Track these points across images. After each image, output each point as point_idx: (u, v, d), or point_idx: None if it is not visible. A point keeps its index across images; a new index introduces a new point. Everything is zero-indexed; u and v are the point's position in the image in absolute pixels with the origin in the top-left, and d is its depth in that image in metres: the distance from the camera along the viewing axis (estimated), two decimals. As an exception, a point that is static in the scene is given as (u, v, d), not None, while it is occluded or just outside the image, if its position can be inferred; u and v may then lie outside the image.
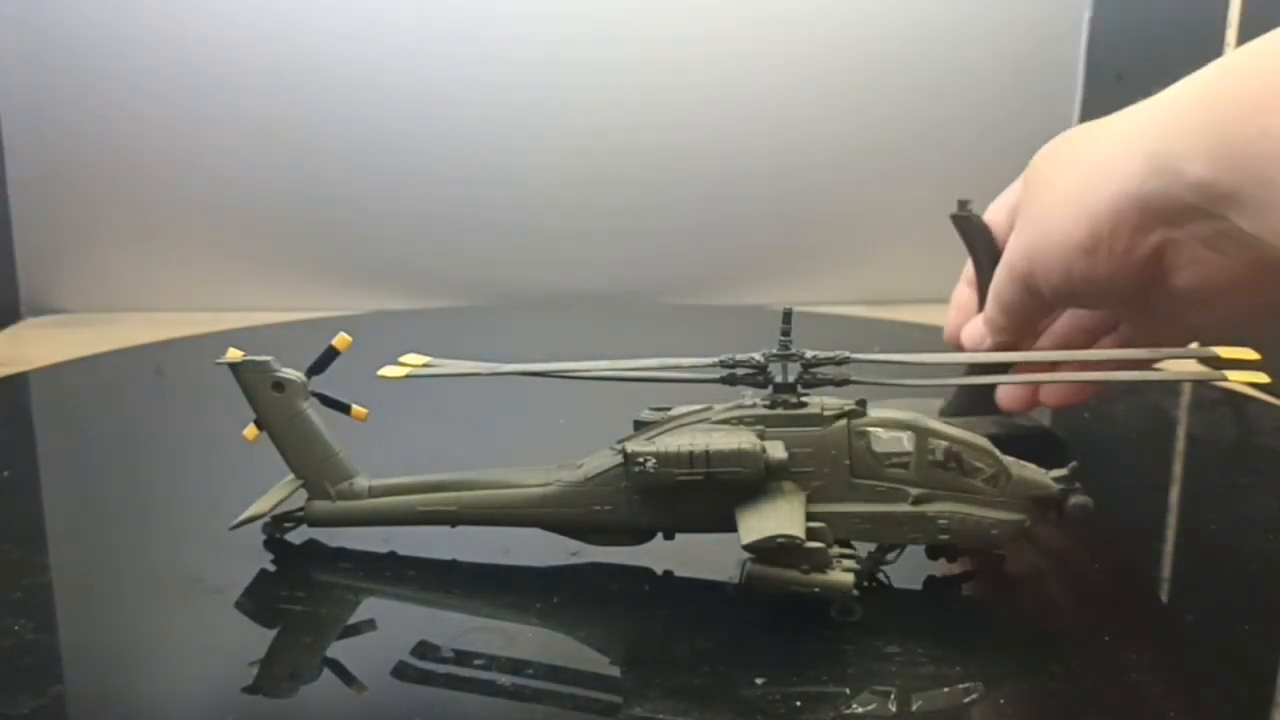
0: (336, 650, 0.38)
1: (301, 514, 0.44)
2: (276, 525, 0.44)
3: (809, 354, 0.40)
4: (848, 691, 0.34)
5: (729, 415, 0.40)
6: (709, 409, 0.41)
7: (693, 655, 0.37)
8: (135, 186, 0.91)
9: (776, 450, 0.38)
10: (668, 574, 0.42)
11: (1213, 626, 0.39)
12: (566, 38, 0.91)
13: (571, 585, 0.42)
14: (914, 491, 0.39)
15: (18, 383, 0.69)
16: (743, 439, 0.38)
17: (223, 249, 0.93)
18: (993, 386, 0.55)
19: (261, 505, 0.43)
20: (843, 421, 0.39)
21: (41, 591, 0.41)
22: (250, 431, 0.43)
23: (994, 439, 0.40)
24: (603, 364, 0.42)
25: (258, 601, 0.41)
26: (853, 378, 0.40)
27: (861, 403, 0.40)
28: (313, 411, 0.43)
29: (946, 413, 0.55)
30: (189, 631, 0.39)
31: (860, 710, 0.34)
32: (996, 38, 0.94)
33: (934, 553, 0.41)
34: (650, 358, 0.42)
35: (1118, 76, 0.92)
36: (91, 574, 0.43)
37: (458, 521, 0.42)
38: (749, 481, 0.38)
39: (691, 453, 0.38)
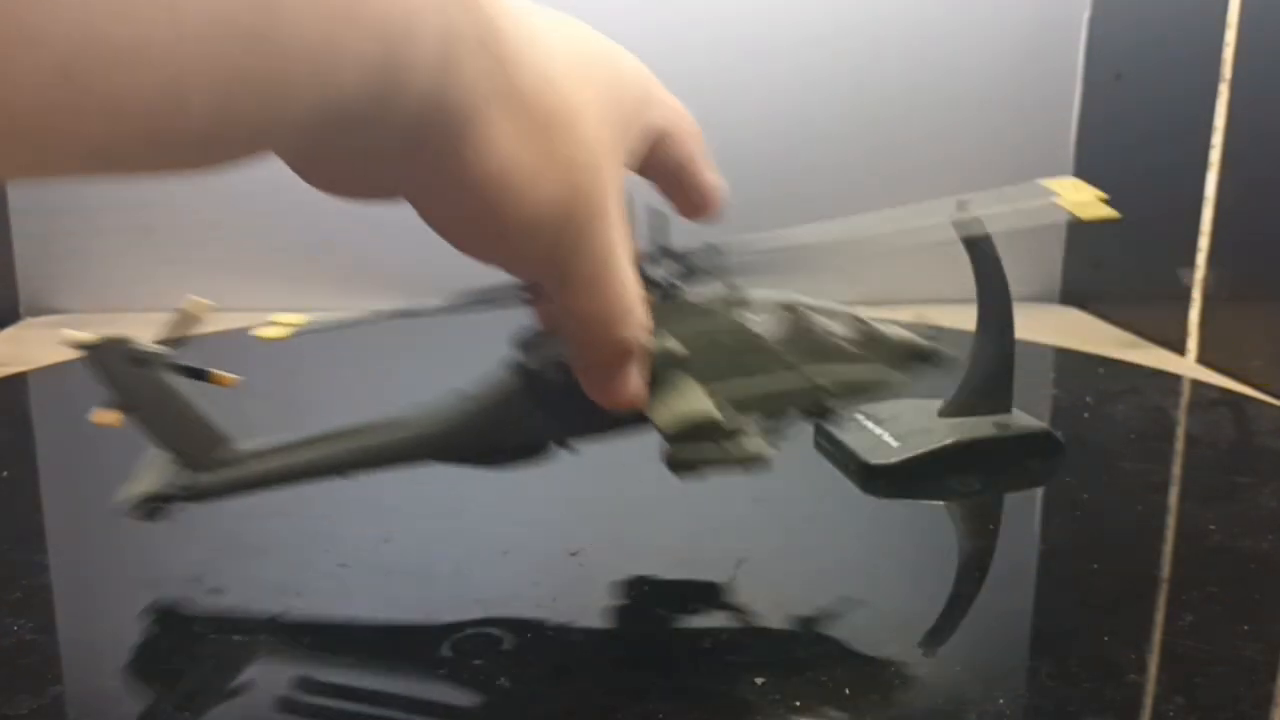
0: (335, 650, 0.38)
1: (184, 489, 0.40)
2: (148, 505, 0.40)
3: (681, 249, 0.41)
4: (847, 691, 0.34)
5: None
6: None
7: (693, 655, 0.37)
8: (135, 187, 0.91)
9: (670, 341, 0.39)
10: (667, 574, 0.42)
11: (1212, 626, 0.39)
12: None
13: (571, 585, 0.42)
14: (797, 363, 0.41)
15: (18, 383, 0.69)
16: None
17: (222, 249, 0.93)
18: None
19: (146, 484, 0.39)
20: (724, 306, 0.41)
21: (41, 591, 0.41)
22: (104, 416, 0.39)
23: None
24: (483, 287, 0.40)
25: (258, 601, 0.41)
26: (728, 265, 0.41)
27: (736, 287, 0.41)
28: (177, 382, 0.39)
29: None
30: (189, 631, 0.39)
31: (860, 710, 0.34)
32: (996, 37, 0.94)
33: (819, 413, 0.42)
34: None
35: (1117, 76, 0.92)
36: (91, 574, 0.43)
37: (355, 468, 0.40)
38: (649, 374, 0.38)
39: None
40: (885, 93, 0.95)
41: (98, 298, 0.91)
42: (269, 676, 0.36)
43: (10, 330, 0.87)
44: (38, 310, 0.91)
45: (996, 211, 0.43)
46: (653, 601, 0.41)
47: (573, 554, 0.43)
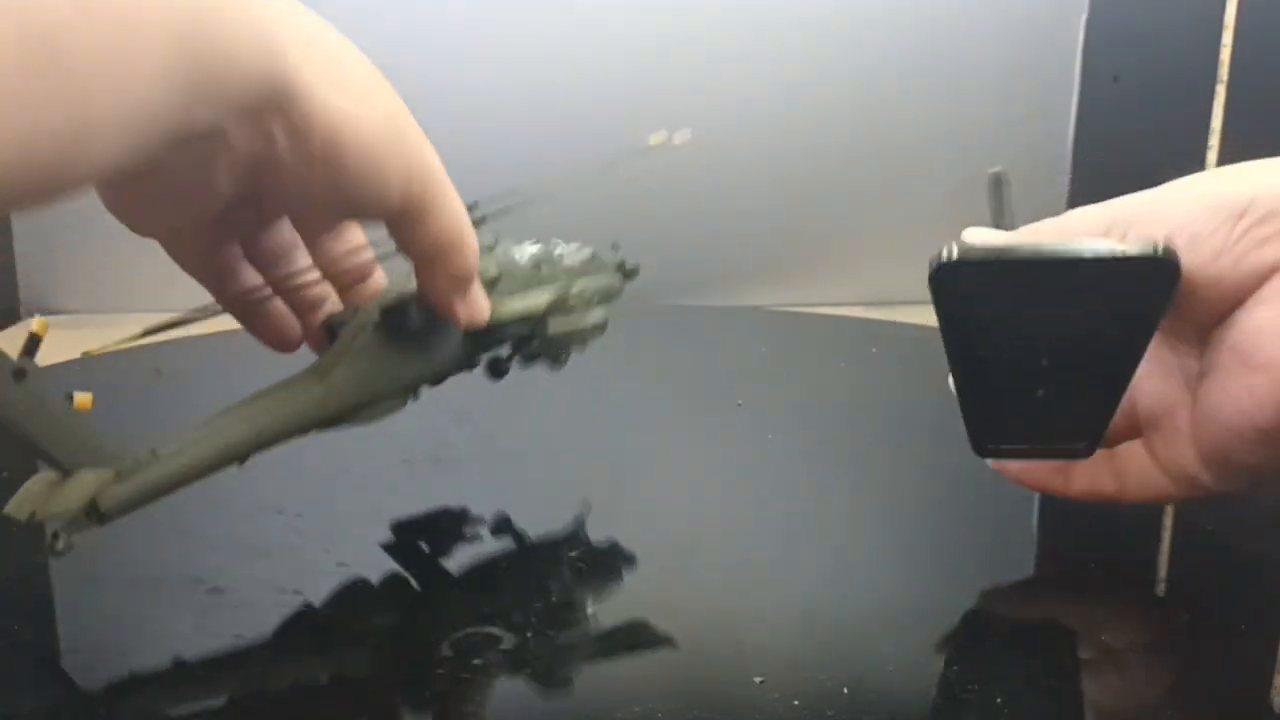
0: (333, 649, 0.38)
1: (92, 517, 0.36)
2: (60, 539, 0.35)
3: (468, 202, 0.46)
4: (846, 691, 0.35)
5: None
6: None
7: (692, 655, 0.37)
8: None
9: (489, 263, 0.45)
10: (666, 574, 0.42)
11: (1210, 626, 0.39)
12: (564, 37, 0.91)
13: (571, 585, 0.42)
14: (566, 283, 0.49)
15: (17, 383, 0.69)
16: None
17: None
18: None
19: (59, 504, 0.35)
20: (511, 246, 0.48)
21: (41, 591, 0.42)
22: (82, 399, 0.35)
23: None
24: None
25: (258, 601, 0.41)
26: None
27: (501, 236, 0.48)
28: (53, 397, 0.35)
29: None
30: (189, 631, 0.39)
31: (859, 710, 0.34)
32: (993, 40, 0.95)
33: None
34: None
35: (1114, 79, 0.92)
36: (92, 574, 0.44)
37: (258, 448, 0.39)
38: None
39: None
40: (883, 95, 0.95)
41: (98, 298, 0.92)
42: (269, 676, 0.36)
43: (10, 330, 0.87)
44: (38, 310, 0.91)
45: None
46: (652, 601, 0.41)
47: (572, 554, 0.43)
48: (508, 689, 0.35)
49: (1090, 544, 0.46)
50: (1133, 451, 0.40)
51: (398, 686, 0.35)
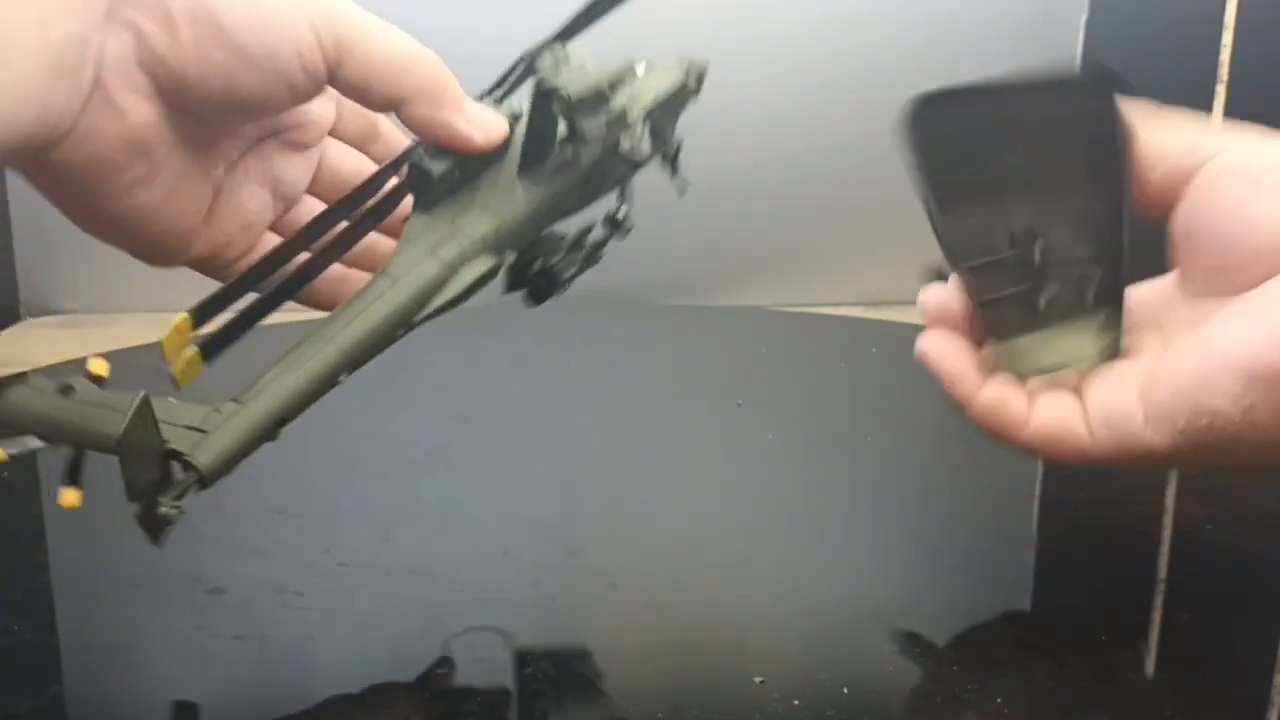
0: (335, 650, 0.38)
1: (190, 475, 0.35)
2: (164, 505, 0.34)
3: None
4: (846, 691, 0.35)
5: None
6: None
7: (693, 655, 0.37)
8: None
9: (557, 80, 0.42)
10: (666, 574, 0.42)
11: (1209, 625, 0.39)
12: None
13: (571, 585, 0.42)
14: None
15: (17, 383, 0.69)
16: None
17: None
18: None
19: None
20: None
21: (41, 591, 0.42)
22: (70, 496, 0.35)
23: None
24: None
25: (258, 601, 0.41)
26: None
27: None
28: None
29: None
30: (189, 631, 0.39)
31: (859, 710, 0.34)
32: (993, 40, 0.95)
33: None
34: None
35: (1116, 78, 0.92)
36: (91, 574, 0.44)
37: (347, 367, 0.36)
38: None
39: None
40: (883, 94, 0.94)
41: (98, 298, 0.91)
42: (268, 677, 0.36)
43: (10, 330, 0.87)
44: (38, 310, 0.91)
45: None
46: (652, 601, 0.41)
47: (571, 553, 0.43)
48: (508, 689, 0.35)
49: (1090, 544, 0.46)
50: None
51: (398, 686, 0.35)
